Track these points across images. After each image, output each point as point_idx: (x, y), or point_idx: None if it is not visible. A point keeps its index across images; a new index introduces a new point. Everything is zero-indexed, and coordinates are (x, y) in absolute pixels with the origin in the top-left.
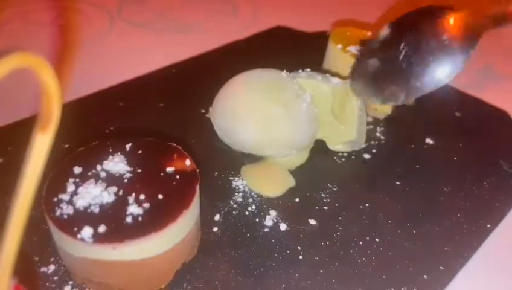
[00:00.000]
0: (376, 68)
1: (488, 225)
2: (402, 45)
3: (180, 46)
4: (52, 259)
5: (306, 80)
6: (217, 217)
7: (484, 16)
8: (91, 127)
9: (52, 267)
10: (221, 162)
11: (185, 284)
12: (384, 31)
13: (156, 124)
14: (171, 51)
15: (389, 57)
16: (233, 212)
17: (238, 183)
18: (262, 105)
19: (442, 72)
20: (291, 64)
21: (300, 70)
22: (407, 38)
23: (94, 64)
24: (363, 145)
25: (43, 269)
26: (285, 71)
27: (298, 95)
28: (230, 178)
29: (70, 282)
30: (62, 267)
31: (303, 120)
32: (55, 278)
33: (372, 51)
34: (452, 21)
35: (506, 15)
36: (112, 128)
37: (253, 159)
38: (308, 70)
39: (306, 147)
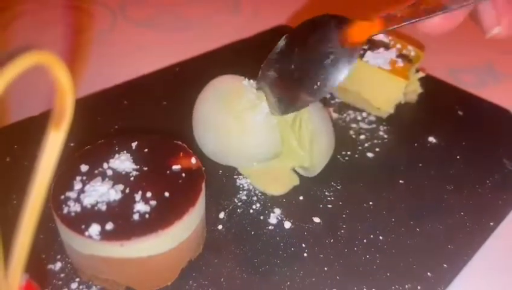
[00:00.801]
0: (274, 80)
1: (491, 223)
2: (294, 57)
3: (183, 45)
4: (59, 256)
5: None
6: (221, 215)
7: (373, 21)
8: (96, 125)
9: (59, 265)
10: None
11: (190, 282)
12: (281, 42)
13: (160, 123)
14: (174, 49)
15: (283, 69)
16: (238, 210)
17: (242, 181)
18: (215, 116)
19: (328, 82)
20: None
21: None
22: (298, 50)
23: (97, 63)
24: (315, 174)
25: (50, 266)
26: (247, 79)
27: (254, 106)
28: (235, 176)
29: (77, 279)
30: (69, 265)
31: (257, 132)
32: (62, 275)
33: (271, 62)
34: (338, 30)
35: (393, 18)
36: (116, 126)
37: None
38: None
39: (270, 158)
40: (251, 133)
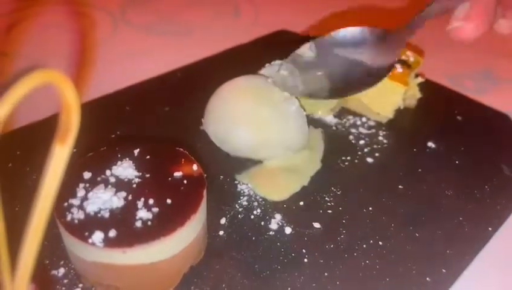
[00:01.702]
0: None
1: (490, 228)
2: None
3: (184, 50)
4: (62, 262)
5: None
6: (222, 221)
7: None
8: (98, 131)
9: (62, 271)
10: (227, 166)
11: (192, 287)
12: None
13: (162, 128)
14: (176, 54)
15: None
16: (239, 216)
17: (243, 187)
18: (252, 108)
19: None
20: None
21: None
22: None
23: (99, 69)
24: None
25: (53, 272)
26: (270, 79)
27: (286, 98)
28: (236, 182)
29: (80, 285)
30: (72, 271)
31: (293, 121)
32: (65, 281)
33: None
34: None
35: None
36: (118, 132)
37: (258, 163)
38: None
39: (300, 148)
40: (289, 122)
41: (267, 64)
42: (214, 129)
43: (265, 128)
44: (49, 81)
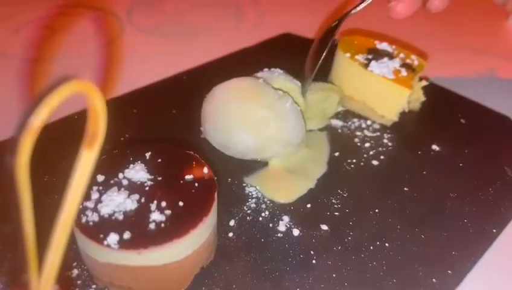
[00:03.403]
0: None
1: (494, 230)
2: None
3: (188, 52)
4: (75, 263)
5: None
6: (232, 223)
7: None
8: (106, 134)
9: (75, 272)
10: (234, 168)
11: (203, 288)
12: None
13: (169, 131)
14: (179, 56)
15: None
16: (248, 218)
17: (251, 189)
18: (248, 111)
19: None
20: (299, 72)
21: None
22: None
23: (105, 71)
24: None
25: (67, 273)
26: (261, 79)
27: (280, 96)
28: (244, 184)
29: (93, 286)
30: (85, 272)
31: (290, 117)
32: (79, 282)
33: None
34: None
35: None
36: (127, 135)
37: (265, 164)
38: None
39: (300, 142)
40: (287, 119)
41: (265, 69)
42: (214, 137)
43: (263, 129)
44: (81, 91)
